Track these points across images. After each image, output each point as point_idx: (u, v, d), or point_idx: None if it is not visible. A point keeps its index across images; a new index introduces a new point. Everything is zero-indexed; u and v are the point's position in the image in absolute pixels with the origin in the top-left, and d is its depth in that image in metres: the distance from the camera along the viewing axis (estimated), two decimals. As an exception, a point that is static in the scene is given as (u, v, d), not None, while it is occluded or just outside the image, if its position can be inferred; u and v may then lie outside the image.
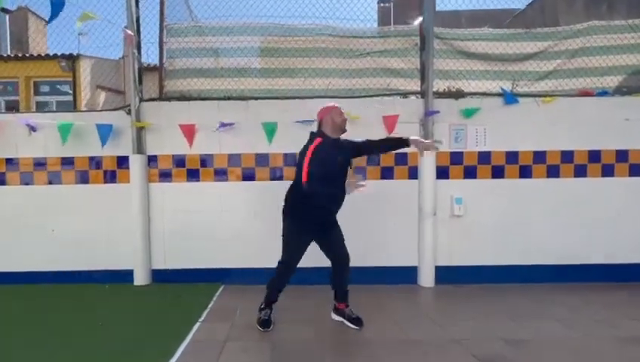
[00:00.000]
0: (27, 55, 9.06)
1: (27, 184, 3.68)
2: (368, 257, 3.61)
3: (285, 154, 3.65)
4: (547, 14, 6.93)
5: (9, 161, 3.68)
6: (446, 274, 3.62)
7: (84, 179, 3.68)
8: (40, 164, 3.67)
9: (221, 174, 3.69)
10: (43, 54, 9.12)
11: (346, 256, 2.70)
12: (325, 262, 2.75)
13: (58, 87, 9.36)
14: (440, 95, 3.73)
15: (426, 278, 3.61)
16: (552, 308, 3.01)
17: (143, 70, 3.84)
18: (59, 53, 8.70)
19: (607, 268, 3.68)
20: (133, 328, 2.72)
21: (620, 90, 3.81)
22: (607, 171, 3.67)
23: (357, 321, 2.68)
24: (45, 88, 9.39)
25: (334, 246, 2.68)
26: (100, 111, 3.90)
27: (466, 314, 2.91)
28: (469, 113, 3.61)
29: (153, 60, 4.58)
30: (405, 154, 3.67)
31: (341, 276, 2.73)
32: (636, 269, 3.66)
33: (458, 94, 3.75)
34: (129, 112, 3.63)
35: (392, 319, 2.83)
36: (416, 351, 2.33)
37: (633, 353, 2.29)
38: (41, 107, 9.33)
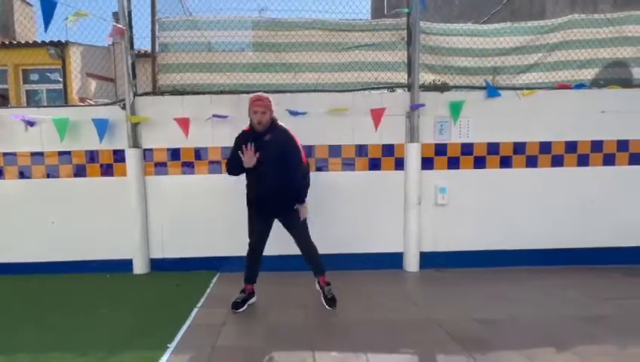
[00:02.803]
0: (15, 42, 8.93)
1: (25, 177, 3.78)
2: (357, 244, 3.83)
3: (277, 147, 3.78)
4: (535, 3, 7.01)
5: (7, 155, 3.77)
6: (430, 260, 3.84)
7: (81, 172, 3.79)
8: (37, 158, 3.77)
9: (215, 166, 3.82)
10: (31, 41, 9.00)
11: (302, 248, 2.97)
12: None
13: (48, 75, 9.28)
14: (426, 88, 3.86)
15: (411, 263, 3.83)
16: (526, 291, 3.25)
17: (135, 56, 3.87)
18: (47, 40, 8.61)
19: (582, 252, 3.92)
20: (135, 314, 2.89)
21: (597, 83, 3.97)
22: (583, 161, 3.87)
23: (330, 301, 2.90)
24: (35, 76, 9.30)
25: (293, 237, 2.96)
26: (95, 106, 3.97)
27: (446, 297, 3.14)
28: (454, 110, 3.74)
29: (143, 46, 4.66)
30: (392, 146, 3.83)
31: (306, 259, 3.01)
32: (608, 253, 3.90)
33: (443, 87, 3.89)
34: (124, 107, 3.72)
35: (376, 302, 3.04)
36: (397, 330, 2.55)
37: (592, 329, 2.53)
38: (32, 96, 9.27)
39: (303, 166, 2.86)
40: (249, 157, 2.73)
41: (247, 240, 3.00)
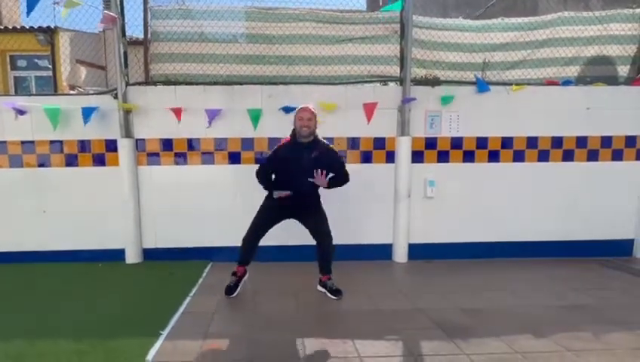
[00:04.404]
0: (2, 28, 8.72)
1: (16, 166, 3.76)
2: (348, 235, 3.87)
3: (269, 139, 3.81)
4: (528, -3, 7.05)
5: (-3, 144, 3.75)
6: (418, 251, 3.94)
7: (73, 162, 3.78)
8: (28, 146, 3.75)
9: (208, 157, 3.84)
10: (19, 27, 8.79)
11: (323, 238, 2.99)
12: (306, 241, 3.06)
13: (36, 61, 9.09)
14: (417, 82, 3.90)
15: (400, 255, 3.92)
16: (509, 282, 3.37)
17: (127, 45, 3.84)
18: (36, 26, 8.43)
19: (566, 244, 4.05)
20: (128, 303, 2.93)
21: (584, 80, 4.05)
22: (568, 156, 3.97)
23: (336, 292, 2.98)
24: (23, 63, 9.11)
25: (312, 230, 3.00)
26: (87, 95, 3.95)
27: (433, 287, 3.23)
28: (444, 101, 3.81)
29: (135, 34, 4.61)
30: (383, 139, 3.88)
31: (321, 252, 3.03)
32: (591, 246, 4.05)
33: (434, 82, 3.94)
34: (116, 96, 3.70)
35: (366, 291, 3.13)
36: (385, 319, 2.63)
37: (569, 317, 2.65)
38: (20, 82, 9.10)
39: (347, 177, 2.99)
40: (282, 196, 2.83)
41: (241, 230, 3.03)
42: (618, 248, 4.06)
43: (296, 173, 2.83)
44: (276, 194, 2.90)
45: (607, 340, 2.33)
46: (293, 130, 2.91)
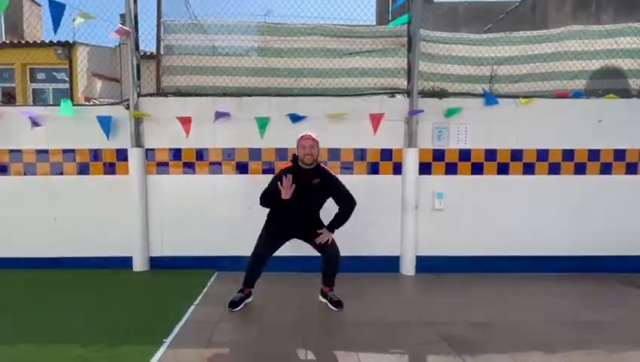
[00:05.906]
0: (23, 42, 9.09)
1: (30, 174, 3.85)
2: (354, 247, 3.83)
3: (277, 149, 3.84)
4: (538, 12, 7.08)
5: (12, 152, 3.84)
6: (426, 264, 3.87)
7: (85, 170, 3.86)
8: (42, 155, 3.84)
9: (216, 167, 3.88)
10: (39, 41, 9.15)
11: (330, 254, 2.96)
12: (312, 252, 3.03)
13: (54, 74, 9.42)
14: (425, 94, 3.91)
15: (408, 267, 3.86)
16: (521, 296, 3.28)
17: (140, 58, 3.96)
18: (54, 40, 8.76)
19: (577, 259, 3.94)
20: (133, 310, 2.94)
21: (595, 92, 4.01)
22: (580, 169, 3.90)
23: (337, 304, 2.95)
24: (41, 75, 9.45)
25: (319, 249, 2.97)
26: (99, 105, 4.06)
27: (440, 300, 3.17)
28: (451, 113, 3.81)
29: (149, 47, 4.75)
30: (390, 150, 3.88)
31: (327, 266, 3.00)
32: (602, 261, 3.92)
33: (442, 94, 3.94)
34: (127, 107, 3.79)
35: (372, 303, 3.08)
36: (389, 331, 2.59)
37: (583, 334, 2.56)
38: (38, 94, 9.42)
39: (353, 202, 2.95)
40: (287, 189, 2.76)
41: (247, 241, 3.02)
42: (635, 264, 3.93)
43: (297, 197, 2.81)
44: (283, 191, 2.80)
45: (622, 358, 2.24)
46: (294, 155, 2.96)
